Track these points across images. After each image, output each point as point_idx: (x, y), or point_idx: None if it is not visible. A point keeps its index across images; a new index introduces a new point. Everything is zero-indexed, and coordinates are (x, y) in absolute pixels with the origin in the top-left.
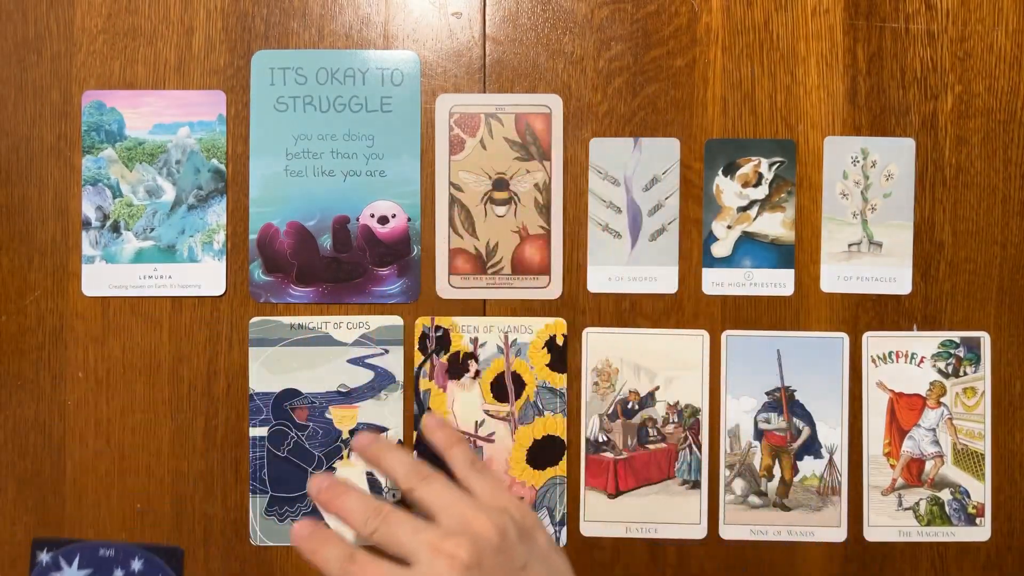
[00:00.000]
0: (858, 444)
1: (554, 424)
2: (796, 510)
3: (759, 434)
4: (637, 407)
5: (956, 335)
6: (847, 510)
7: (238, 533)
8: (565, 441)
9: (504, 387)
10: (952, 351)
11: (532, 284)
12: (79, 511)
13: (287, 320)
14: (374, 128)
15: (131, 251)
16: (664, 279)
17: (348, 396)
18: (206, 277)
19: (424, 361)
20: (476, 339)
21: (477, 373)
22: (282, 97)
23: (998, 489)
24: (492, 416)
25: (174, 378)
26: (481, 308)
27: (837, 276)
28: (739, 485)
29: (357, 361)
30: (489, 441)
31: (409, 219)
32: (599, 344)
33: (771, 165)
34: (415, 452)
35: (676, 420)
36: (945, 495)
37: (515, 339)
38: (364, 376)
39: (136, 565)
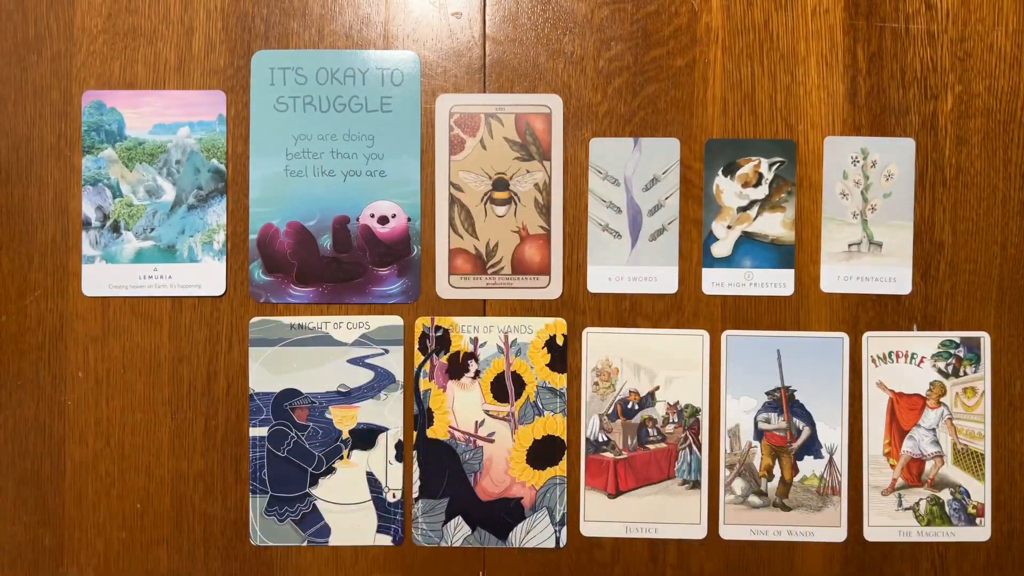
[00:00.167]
0: (858, 444)
1: (554, 424)
2: (796, 510)
3: (759, 434)
4: (637, 407)
5: (956, 335)
6: (847, 510)
7: (238, 533)
8: (565, 441)
9: (504, 387)
10: (952, 351)
11: (532, 284)
12: (79, 511)
13: (287, 320)
14: (374, 128)
15: (131, 251)
16: (664, 279)
17: (348, 396)
18: (206, 277)
19: (424, 361)
20: (476, 339)
21: (477, 373)
22: (282, 97)
23: (998, 489)
24: (492, 416)
25: (174, 378)
26: (481, 308)
27: (837, 276)
28: (739, 485)
29: (357, 361)
30: (489, 441)
31: (409, 219)
32: (599, 344)
33: (771, 165)
34: (416, 453)
35: (676, 420)
36: (945, 495)
37: (515, 339)
38: (364, 376)
39: None
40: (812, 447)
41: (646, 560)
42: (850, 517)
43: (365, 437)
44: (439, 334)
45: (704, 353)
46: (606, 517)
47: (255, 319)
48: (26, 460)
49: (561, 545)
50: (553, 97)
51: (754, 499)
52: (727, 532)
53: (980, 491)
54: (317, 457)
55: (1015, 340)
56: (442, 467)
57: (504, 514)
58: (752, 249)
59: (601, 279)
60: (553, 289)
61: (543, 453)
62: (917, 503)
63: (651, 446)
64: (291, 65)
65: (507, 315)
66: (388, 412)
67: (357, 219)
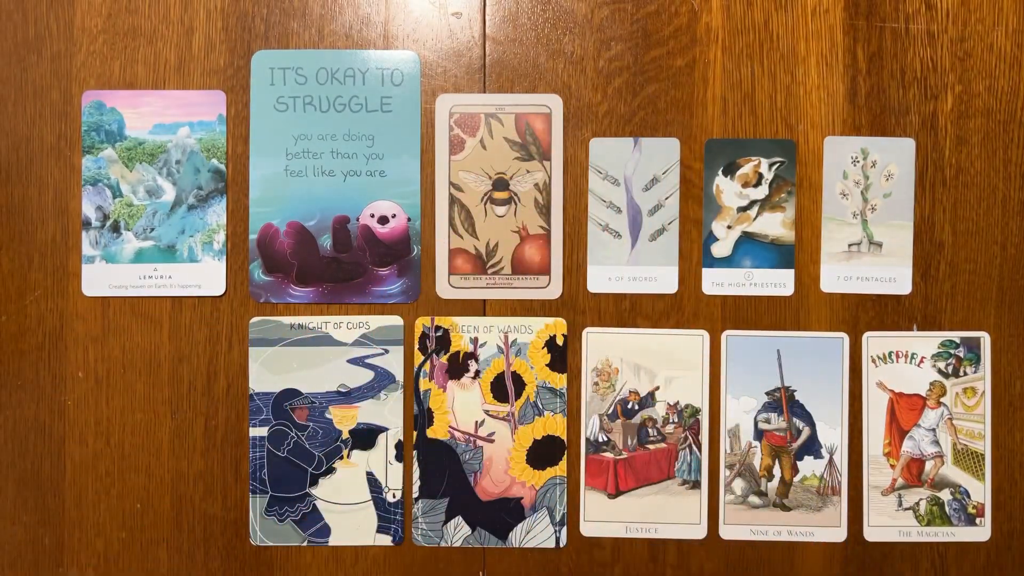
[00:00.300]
0: (858, 444)
1: (554, 424)
2: (796, 510)
3: (759, 434)
4: (637, 407)
5: (956, 335)
6: (847, 510)
7: (238, 533)
8: (565, 441)
9: (504, 387)
10: (952, 351)
11: (532, 284)
12: (79, 511)
13: (287, 320)
14: (374, 128)
15: (131, 251)
16: (664, 279)
17: (348, 396)
18: (206, 277)
19: (424, 361)
20: (476, 339)
21: (477, 373)
22: (282, 97)
23: (998, 489)
24: (492, 416)
25: (174, 378)
26: (481, 308)
27: (837, 276)
28: (739, 485)
29: (357, 361)
30: (489, 441)
31: (409, 219)
32: (599, 344)
33: (771, 165)
34: (416, 453)
35: (676, 420)
36: (945, 495)
37: (515, 339)
38: (364, 376)
39: None
40: (812, 447)
41: (646, 560)
42: (850, 517)
43: (365, 437)
44: (439, 334)
45: (704, 353)
46: (606, 517)
47: (255, 319)
48: (26, 460)
49: (561, 545)
50: (553, 97)
51: (754, 499)
52: (727, 532)
53: (980, 491)
54: (317, 457)
55: (1015, 340)
56: (442, 467)
57: (504, 514)
58: (752, 249)
59: (601, 279)
60: (553, 289)
61: (543, 453)
62: (917, 503)
63: (651, 446)
64: (291, 65)
65: (507, 315)
66: (388, 412)
67: (357, 219)
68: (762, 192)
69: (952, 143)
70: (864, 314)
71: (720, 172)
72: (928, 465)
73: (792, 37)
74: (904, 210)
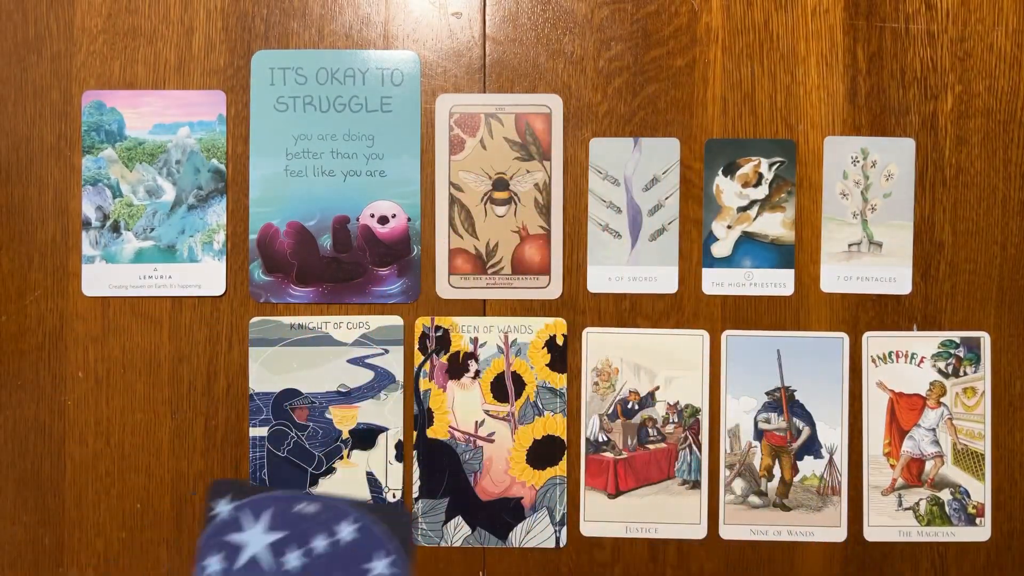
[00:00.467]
0: (858, 444)
1: (554, 424)
2: (796, 510)
3: (759, 434)
4: (637, 407)
5: (956, 335)
6: (847, 510)
7: None
8: (565, 441)
9: (504, 387)
10: (952, 351)
11: (532, 284)
12: (79, 510)
13: (287, 320)
14: (374, 128)
15: (131, 251)
16: (664, 279)
17: (348, 396)
18: (206, 277)
19: (424, 361)
20: (476, 339)
21: (477, 373)
22: (282, 97)
23: (998, 489)
24: (492, 416)
25: (174, 378)
26: (481, 308)
27: (837, 276)
28: (739, 485)
29: (357, 361)
30: (489, 441)
31: (409, 219)
32: (599, 344)
33: (771, 165)
34: (416, 453)
35: (676, 420)
36: (945, 495)
37: (515, 339)
38: (364, 376)
39: (346, 531)
40: (812, 447)
41: (646, 560)
42: (850, 517)
43: (365, 437)
44: (439, 334)
45: (704, 353)
46: (606, 517)
47: (255, 319)
48: (26, 460)
49: (561, 545)
50: (553, 97)
51: (754, 499)
52: (727, 532)
53: (980, 491)
54: (317, 457)
55: (1015, 340)
56: (442, 467)
57: (504, 514)
58: (752, 249)
59: (601, 279)
60: (553, 289)
61: (543, 453)
62: (917, 503)
63: (651, 446)
64: (291, 65)
65: (507, 315)
66: (388, 412)
67: (357, 219)
68: (762, 192)
69: (952, 143)
70: (864, 314)
71: (720, 172)
72: (928, 465)
73: (792, 37)
74: (904, 210)
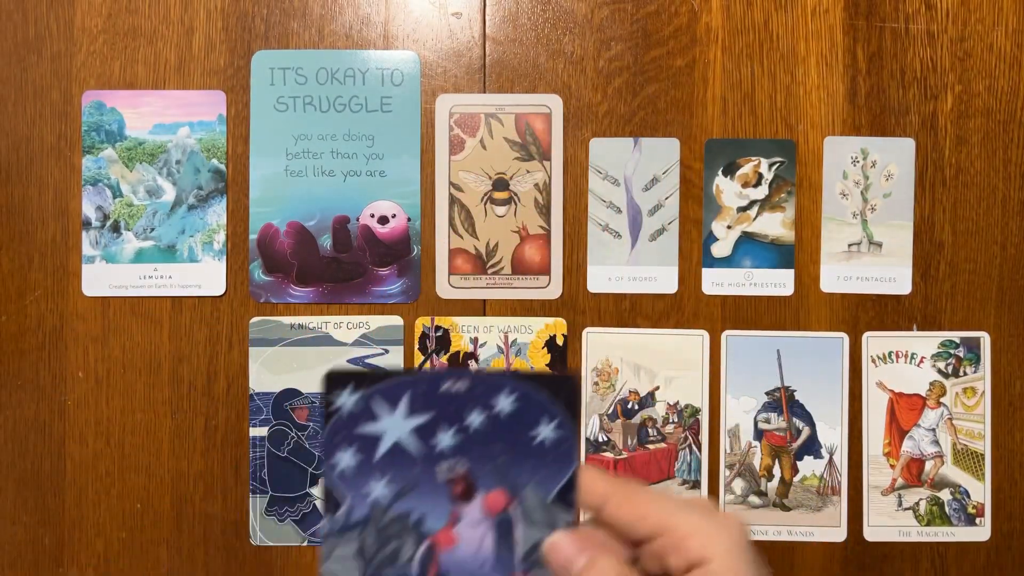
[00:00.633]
0: (858, 444)
1: None
2: (796, 510)
3: (759, 434)
4: (637, 407)
5: (956, 335)
6: (847, 510)
7: (238, 533)
8: None
9: None
10: (952, 351)
11: (532, 284)
12: (79, 511)
13: (287, 320)
14: (374, 128)
15: (131, 251)
16: (664, 279)
17: None
18: (206, 277)
19: (424, 361)
20: (476, 339)
21: None
22: (282, 97)
23: (998, 489)
24: None
25: (174, 378)
26: (481, 308)
27: (837, 276)
28: (739, 485)
29: (357, 361)
30: None
31: (409, 219)
32: (599, 344)
33: (771, 165)
34: None
35: (676, 420)
36: (945, 495)
37: (515, 339)
38: None
39: (503, 403)
40: (812, 447)
41: None
42: (850, 517)
43: None
44: (439, 334)
45: (704, 353)
46: None
47: (255, 319)
48: (26, 460)
49: None
50: (553, 97)
51: (754, 499)
52: None
53: (980, 491)
54: (317, 457)
55: (1015, 340)
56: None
57: None
58: (752, 249)
59: (601, 279)
60: (553, 289)
61: None
62: (917, 503)
63: (651, 446)
64: (291, 65)
65: (507, 315)
66: None
67: (357, 219)
68: (762, 192)
69: (952, 143)
70: (864, 314)
71: (720, 172)
72: (928, 465)
73: (792, 37)
74: (904, 210)
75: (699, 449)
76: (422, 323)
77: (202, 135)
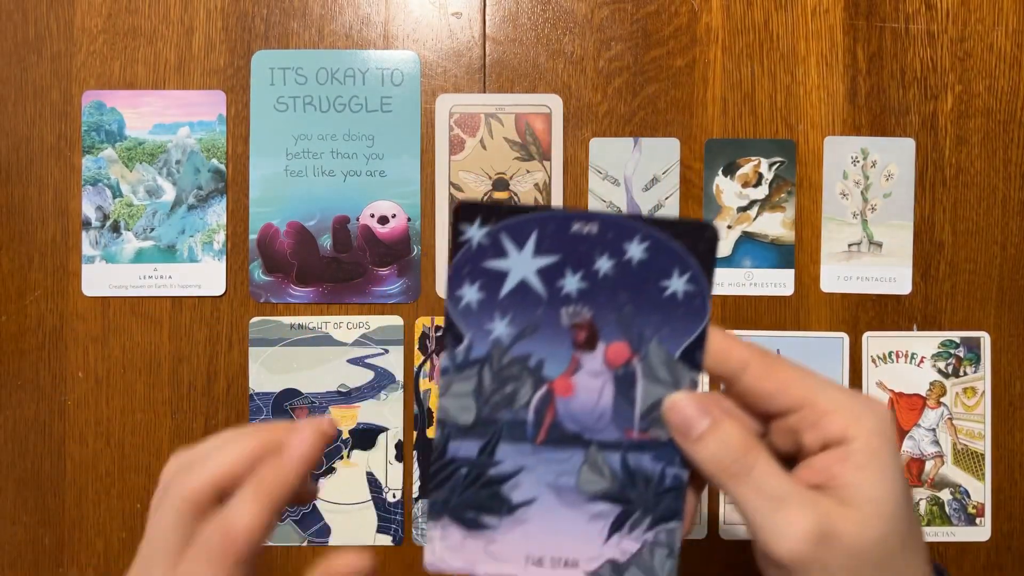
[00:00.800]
0: None
1: None
2: None
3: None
4: None
5: (956, 335)
6: None
7: None
8: None
9: None
10: (952, 351)
11: None
12: (79, 511)
13: (287, 320)
14: (374, 128)
15: (131, 251)
16: None
17: (348, 396)
18: (206, 277)
19: (424, 361)
20: None
21: None
22: (282, 97)
23: (998, 489)
24: None
25: (174, 378)
26: None
27: (837, 276)
28: None
29: (357, 361)
30: None
31: (409, 219)
32: None
33: (771, 165)
34: (416, 453)
35: None
36: (945, 495)
37: None
38: (364, 376)
39: (634, 251)
40: None
41: None
42: None
43: (365, 437)
44: (439, 334)
45: None
46: None
47: (255, 319)
48: (26, 460)
49: None
50: (553, 97)
51: None
52: (727, 532)
53: (980, 491)
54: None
55: (1015, 340)
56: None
57: None
58: (752, 249)
59: None
60: None
61: None
62: (917, 503)
63: None
64: (291, 65)
65: None
66: (388, 412)
67: (357, 219)
68: (762, 192)
69: (952, 143)
70: (864, 314)
71: (720, 172)
72: (928, 465)
73: (792, 37)
74: (904, 210)
75: None
76: (422, 323)
77: (202, 135)
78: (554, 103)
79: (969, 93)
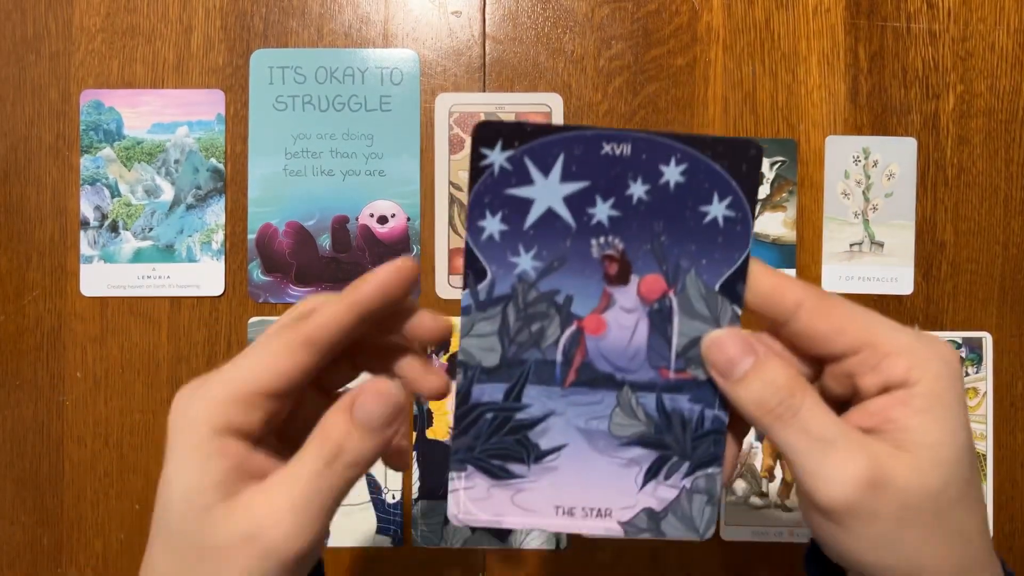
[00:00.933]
0: None
1: None
2: (797, 511)
3: (760, 435)
4: None
5: (958, 335)
6: None
7: None
8: None
9: None
10: None
11: None
12: (77, 511)
13: None
14: (373, 127)
15: (129, 251)
16: None
17: None
18: (205, 277)
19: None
20: None
21: None
22: (281, 96)
23: (999, 489)
24: None
25: (173, 378)
26: None
27: (839, 276)
28: (740, 486)
29: None
30: None
31: (408, 219)
32: None
33: (772, 164)
34: (415, 454)
35: None
36: None
37: None
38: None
39: (671, 174)
40: None
41: (647, 562)
42: None
43: None
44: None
45: None
46: None
47: (254, 319)
48: (24, 461)
49: (562, 547)
50: (553, 96)
51: (755, 500)
52: (728, 533)
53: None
54: None
55: (1017, 340)
56: (442, 468)
57: None
58: (753, 249)
59: None
60: None
61: None
62: None
63: None
64: (290, 64)
65: None
66: None
67: (356, 219)
68: (763, 192)
69: (954, 143)
70: None
71: None
72: None
73: (793, 36)
74: (906, 210)
75: None
76: None
77: (201, 134)
78: (554, 102)
79: (971, 92)
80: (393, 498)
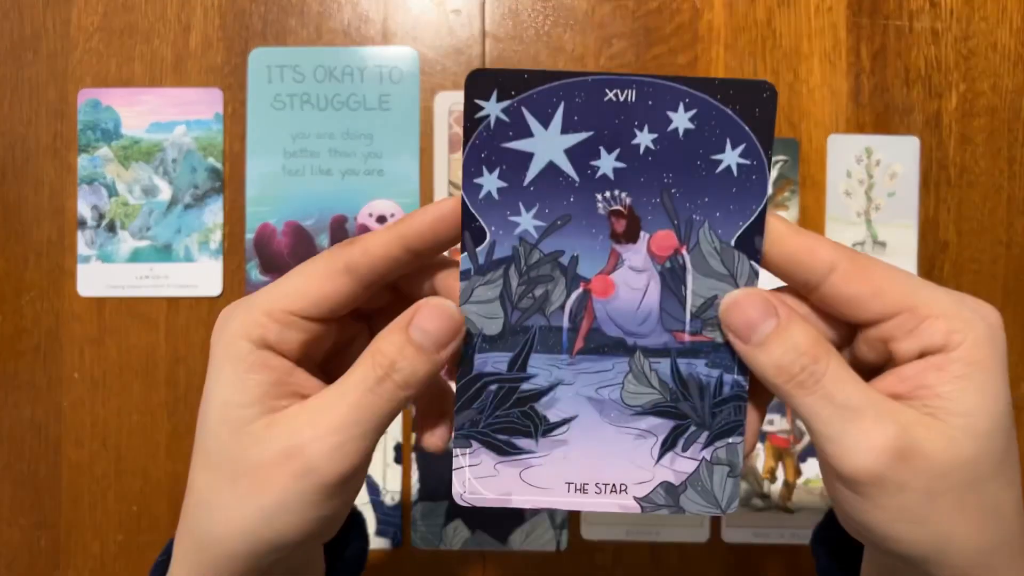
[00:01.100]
0: None
1: None
2: (799, 513)
3: (762, 436)
4: None
5: None
6: None
7: None
8: None
9: None
10: None
11: None
12: (75, 513)
13: None
14: (373, 126)
15: (127, 251)
16: None
17: None
18: (203, 277)
19: None
20: None
21: None
22: (279, 95)
23: None
24: None
25: (171, 379)
26: None
27: None
28: (741, 487)
29: None
30: None
31: None
32: None
33: (774, 163)
34: (415, 455)
35: None
36: None
37: None
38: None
39: (679, 120)
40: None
41: (647, 564)
42: None
43: None
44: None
45: None
46: (607, 520)
47: None
48: (22, 462)
49: (562, 548)
50: None
51: (757, 502)
52: (729, 535)
53: None
54: None
55: (1019, 340)
56: (441, 469)
57: (504, 517)
58: None
59: None
60: None
61: None
62: None
63: None
64: (289, 63)
65: None
66: None
67: (355, 218)
68: None
69: (956, 142)
70: None
71: None
72: None
73: (795, 35)
74: (908, 209)
75: None
76: None
77: (198, 133)
78: None
79: (973, 92)
80: (392, 500)
